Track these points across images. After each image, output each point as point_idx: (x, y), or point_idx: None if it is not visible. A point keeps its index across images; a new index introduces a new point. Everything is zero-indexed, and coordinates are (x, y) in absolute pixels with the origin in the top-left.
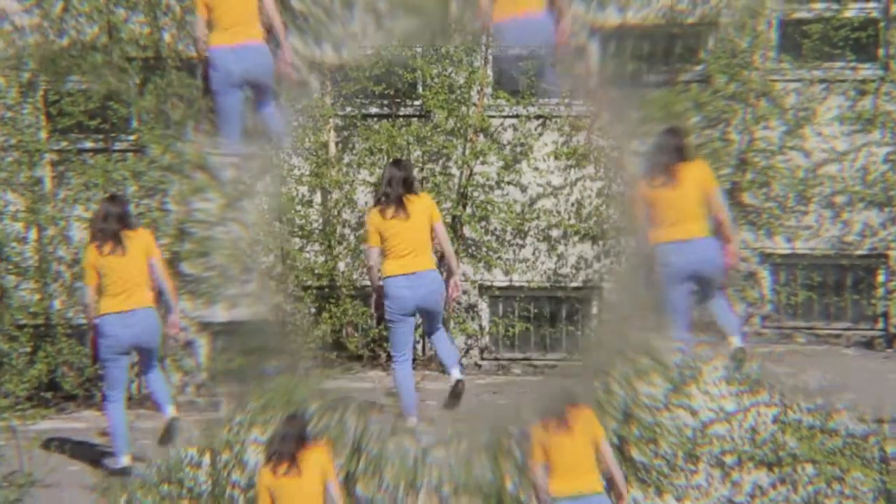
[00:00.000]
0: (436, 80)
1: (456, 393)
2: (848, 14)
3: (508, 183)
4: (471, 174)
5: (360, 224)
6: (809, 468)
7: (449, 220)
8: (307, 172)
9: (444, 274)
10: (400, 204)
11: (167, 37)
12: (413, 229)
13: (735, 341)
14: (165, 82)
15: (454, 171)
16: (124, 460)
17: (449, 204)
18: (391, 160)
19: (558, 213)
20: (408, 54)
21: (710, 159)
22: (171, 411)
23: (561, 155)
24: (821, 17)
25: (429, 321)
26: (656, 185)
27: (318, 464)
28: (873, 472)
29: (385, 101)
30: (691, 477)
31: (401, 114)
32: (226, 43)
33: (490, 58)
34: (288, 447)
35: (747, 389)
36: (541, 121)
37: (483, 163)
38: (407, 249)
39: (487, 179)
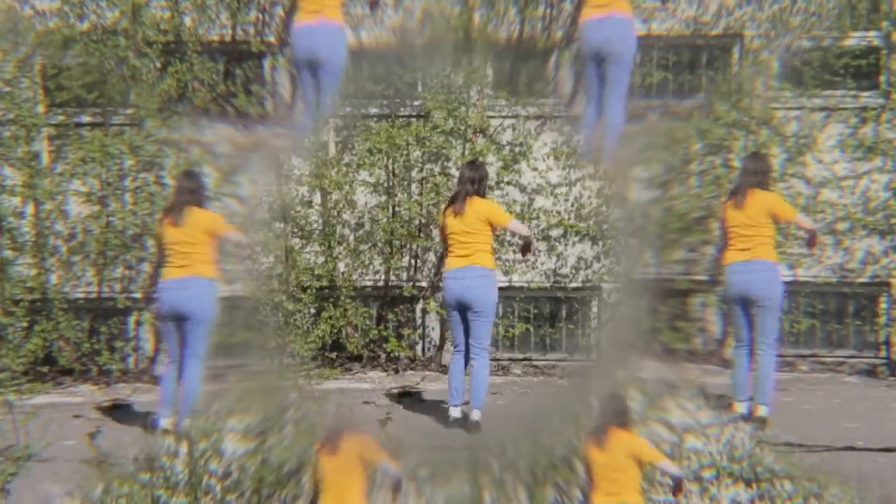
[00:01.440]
0: (435, 79)
1: (467, 427)
2: (849, 42)
3: (508, 183)
4: None
5: (360, 224)
6: (787, 484)
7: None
8: (307, 173)
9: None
10: (462, 203)
11: (188, 21)
12: (467, 229)
13: (762, 411)
14: (185, 66)
15: (454, 171)
16: (162, 423)
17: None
18: (467, 161)
19: (558, 212)
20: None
21: (713, 186)
22: (165, 423)
23: (560, 155)
24: (821, 46)
25: (471, 325)
26: (730, 205)
27: (205, 221)
28: (851, 488)
29: (385, 102)
30: (668, 492)
31: (400, 114)
32: (305, 21)
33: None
34: (181, 199)
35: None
36: (540, 121)
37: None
38: (459, 247)
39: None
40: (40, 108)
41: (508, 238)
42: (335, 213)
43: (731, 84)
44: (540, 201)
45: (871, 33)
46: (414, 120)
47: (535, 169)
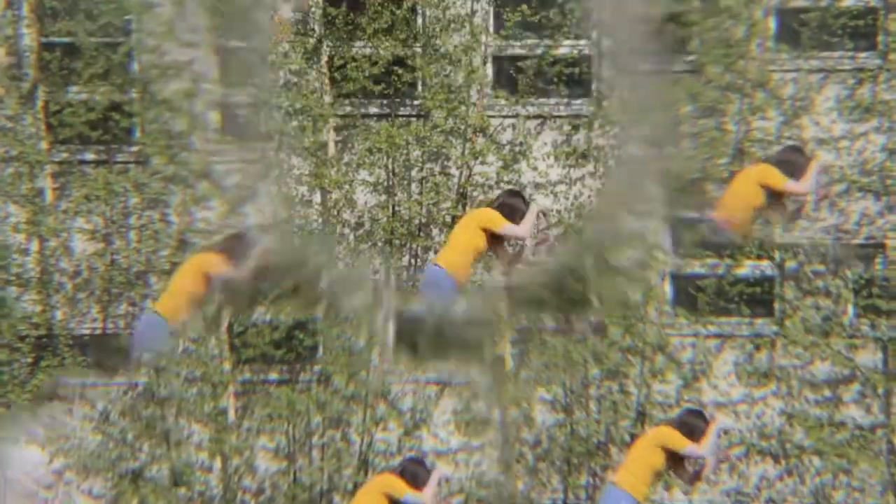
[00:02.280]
0: (434, 79)
1: None
2: (847, 3)
3: (508, 182)
4: (470, 174)
5: (360, 224)
6: (816, 460)
7: (448, 220)
8: (307, 172)
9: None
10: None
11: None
12: (454, 230)
13: None
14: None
15: (454, 171)
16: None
17: (448, 204)
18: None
19: (558, 211)
20: (407, 53)
21: (707, 149)
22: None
23: (560, 154)
24: (819, 6)
25: None
26: None
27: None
28: (882, 464)
29: (384, 101)
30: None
31: (400, 113)
32: None
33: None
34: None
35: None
36: (540, 120)
37: (482, 163)
38: None
39: (487, 179)
40: (43, 145)
41: None
42: (335, 213)
43: None
44: (540, 200)
45: None
46: (414, 119)
47: (534, 168)
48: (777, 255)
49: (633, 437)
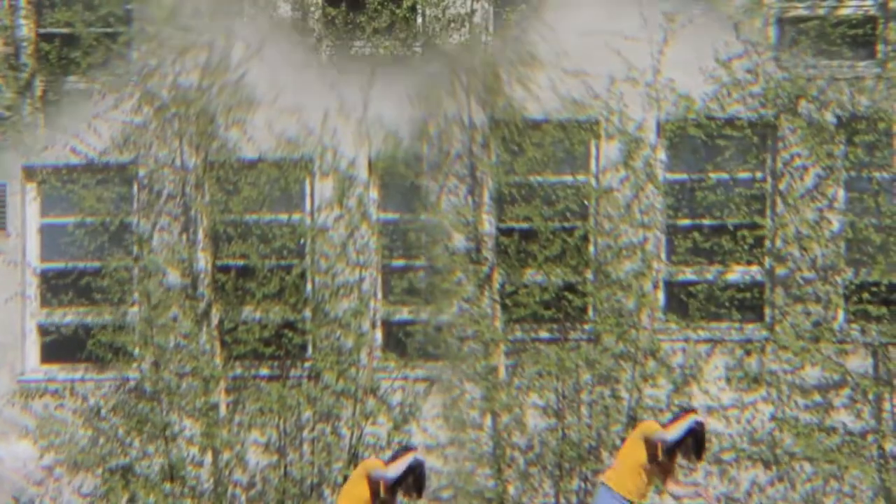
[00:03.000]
0: (605, 304)
1: None
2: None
3: (679, 406)
4: (640, 397)
5: (530, 447)
6: (807, 466)
7: (618, 443)
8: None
9: None
10: None
11: None
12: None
13: None
14: None
15: (623, 394)
16: None
17: (619, 427)
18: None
19: (729, 436)
20: (577, 279)
21: (602, 416)
22: None
23: (733, 378)
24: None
25: None
26: None
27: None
28: (872, 469)
29: (555, 327)
30: (688, 474)
31: (570, 337)
32: None
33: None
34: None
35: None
36: (711, 344)
37: (653, 385)
38: None
39: (657, 402)
40: (218, 361)
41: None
42: (506, 436)
43: None
44: (711, 423)
45: (868, 1)
46: (584, 343)
47: (706, 392)
48: (767, 261)
49: (624, 441)
